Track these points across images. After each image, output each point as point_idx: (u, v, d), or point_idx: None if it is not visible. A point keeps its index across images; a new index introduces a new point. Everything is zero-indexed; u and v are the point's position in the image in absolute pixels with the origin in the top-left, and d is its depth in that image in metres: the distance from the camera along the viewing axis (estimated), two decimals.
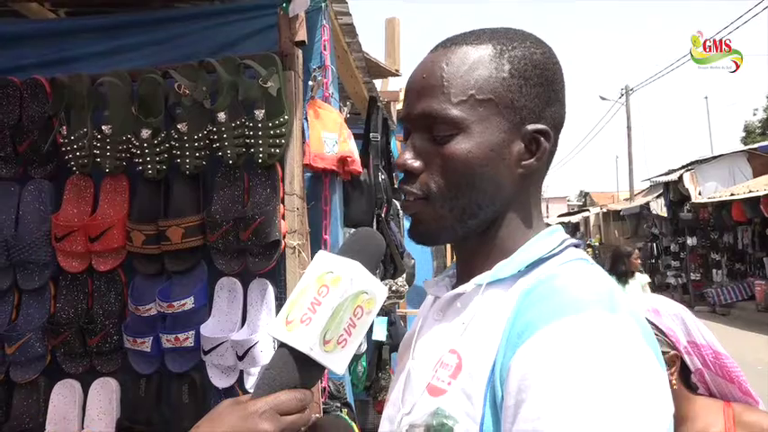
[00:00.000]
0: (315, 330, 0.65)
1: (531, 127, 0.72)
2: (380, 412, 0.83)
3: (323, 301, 0.66)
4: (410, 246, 3.46)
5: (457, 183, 0.71)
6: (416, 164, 0.73)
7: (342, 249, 0.72)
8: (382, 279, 2.80)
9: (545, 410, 0.56)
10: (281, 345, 0.67)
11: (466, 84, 0.70)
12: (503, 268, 0.71)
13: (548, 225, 0.78)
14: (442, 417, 0.65)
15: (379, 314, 2.90)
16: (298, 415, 0.65)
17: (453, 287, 0.78)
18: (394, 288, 2.82)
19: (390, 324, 3.15)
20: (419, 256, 3.72)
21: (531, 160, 0.72)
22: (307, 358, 0.65)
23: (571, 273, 0.67)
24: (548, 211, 44.40)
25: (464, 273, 0.77)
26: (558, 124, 0.74)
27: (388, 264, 2.92)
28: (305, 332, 0.65)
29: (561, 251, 0.71)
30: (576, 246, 0.74)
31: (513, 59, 0.71)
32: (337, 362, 0.67)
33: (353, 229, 2.57)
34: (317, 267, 0.69)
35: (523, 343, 0.60)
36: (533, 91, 0.71)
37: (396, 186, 3.20)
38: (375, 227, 2.77)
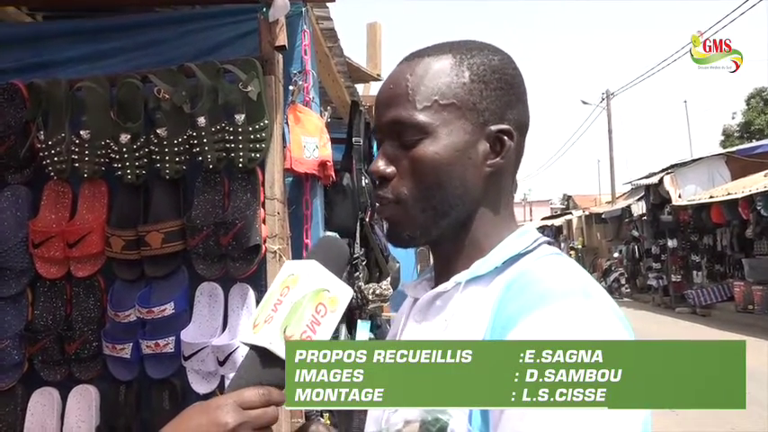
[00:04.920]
0: (275, 326, 0.67)
1: (494, 127, 0.75)
2: (365, 415, 0.83)
3: (284, 300, 0.68)
4: (395, 249, 3.46)
5: (426, 184, 0.74)
6: (388, 170, 0.76)
7: (308, 254, 0.75)
8: (367, 283, 2.80)
9: None
10: (249, 348, 0.69)
11: (429, 91, 0.74)
12: (480, 266, 0.74)
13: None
14: (436, 412, 0.66)
15: (363, 318, 2.91)
16: (262, 410, 0.67)
17: (433, 288, 0.79)
18: (378, 292, 2.82)
19: (376, 327, 3.15)
20: (403, 259, 3.73)
21: (497, 159, 0.76)
22: (269, 354, 0.66)
23: (547, 266, 0.72)
24: (531, 215, 44.69)
25: (442, 273, 0.79)
26: (521, 125, 0.78)
27: (373, 268, 2.93)
28: (266, 329, 0.67)
29: (535, 248, 0.75)
30: (549, 243, 0.77)
31: (471, 66, 0.75)
32: None
33: (335, 234, 2.57)
34: (282, 274, 0.72)
35: (507, 335, 0.64)
36: (493, 94, 0.75)
37: None
38: (359, 231, 2.77)
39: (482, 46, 0.79)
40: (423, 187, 0.75)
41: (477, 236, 0.77)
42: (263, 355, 0.67)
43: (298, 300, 0.68)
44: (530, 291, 0.67)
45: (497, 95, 0.76)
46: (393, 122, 0.76)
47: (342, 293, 0.71)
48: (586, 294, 0.66)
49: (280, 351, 0.66)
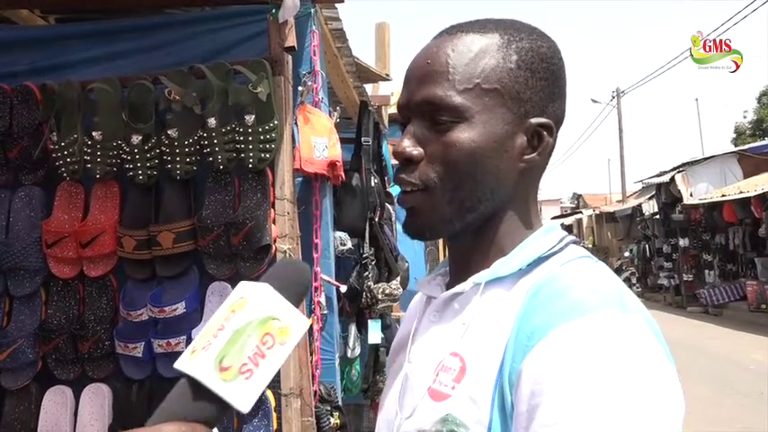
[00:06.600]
0: (210, 355, 0.59)
1: (534, 120, 0.69)
2: (377, 415, 0.80)
3: (226, 325, 0.60)
4: (404, 249, 3.47)
5: (458, 173, 0.68)
6: (416, 152, 0.69)
7: (262, 277, 0.67)
8: (376, 282, 2.81)
9: (561, 415, 0.55)
10: (182, 376, 0.60)
11: (472, 72, 0.68)
12: (501, 266, 0.69)
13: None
14: (452, 424, 0.62)
15: (373, 317, 2.92)
16: None
17: (447, 286, 0.75)
18: (388, 291, 2.83)
19: (385, 327, 3.16)
20: (412, 258, 3.74)
21: (533, 155, 0.70)
22: (201, 387, 0.58)
23: (577, 272, 0.66)
24: (541, 213, 44.46)
25: (459, 271, 0.74)
26: (559, 120, 0.73)
27: (383, 267, 2.94)
28: (201, 357, 0.59)
29: (561, 249, 0.69)
30: (576, 243, 0.72)
31: (520, 51, 0.69)
32: (239, 394, 0.58)
33: (344, 234, 2.57)
34: (233, 296, 0.64)
35: (534, 346, 0.59)
36: (539, 84, 0.69)
37: (388, 190, 3.22)
38: (368, 230, 2.78)
39: (530, 29, 0.72)
40: (455, 176, 0.68)
41: (500, 234, 0.72)
42: (194, 386, 0.59)
43: (240, 327, 0.60)
44: (560, 299, 0.61)
45: (542, 86, 0.70)
46: (426, 101, 0.68)
47: (295, 324, 0.62)
48: (622, 307, 0.61)
49: (211, 384, 0.58)
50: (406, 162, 0.70)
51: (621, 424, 0.54)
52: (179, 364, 0.60)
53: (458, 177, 0.68)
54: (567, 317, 0.59)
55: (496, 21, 0.72)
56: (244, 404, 0.58)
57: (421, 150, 0.69)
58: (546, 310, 0.61)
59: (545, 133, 0.70)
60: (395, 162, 0.78)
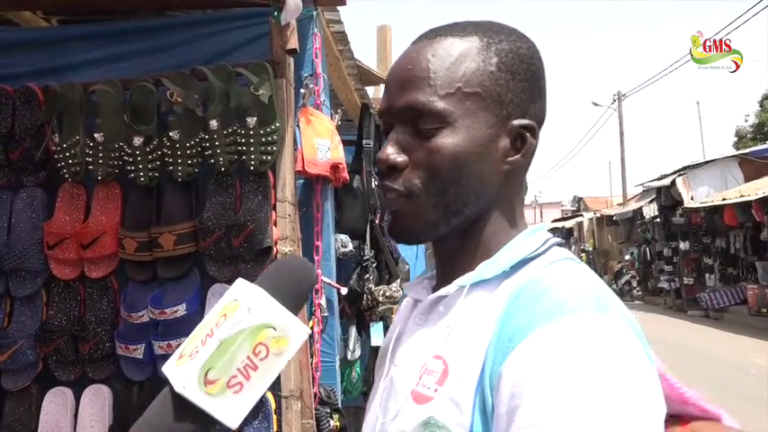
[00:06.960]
0: (195, 365, 0.54)
1: (516, 122, 0.70)
2: None
3: (216, 331, 0.55)
4: (404, 251, 3.47)
5: (442, 178, 0.68)
6: (400, 159, 0.70)
7: (259, 278, 0.61)
8: (377, 285, 2.81)
9: (540, 417, 0.55)
10: (167, 383, 0.57)
11: (453, 76, 0.68)
12: (485, 269, 0.69)
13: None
14: (434, 426, 0.62)
15: (373, 320, 2.92)
16: None
17: (434, 289, 0.75)
18: (388, 294, 2.83)
19: (386, 329, 3.16)
20: (413, 261, 3.74)
21: (517, 156, 0.71)
22: (183, 400, 0.54)
23: (558, 274, 0.66)
24: (542, 217, 44.55)
25: (445, 273, 0.74)
26: (540, 121, 0.73)
27: (383, 269, 2.94)
28: (186, 366, 0.55)
29: (545, 251, 0.70)
30: (560, 245, 0.72)
31: (500, 52, 0.69)
32: (226, 410, 0.54)
33: (345, 236, 2.57)
34: (227, 296, 0.59)
35: (514, 348, 0.59)
36: (520, 86, 0.70)
37: None
38: (369, 233, 2.78)
39: (509, 31, 0.72)
40: (439, 181, 0.68)
41: (485, 236, 0.72)
42: (176, 398, 0.55)
43: (229, 336, 0.55)
44: (540, 301, 0.61)
45: (523, 87, 0.70)
46: (408, 107, 0.69)
47: (294, 333, 0.57)
48: (602, 308, 0.61)
49: (194, 398, 0.54)
50: (390, 169, 0.70)
51: (600, 425, 0.54)
52: (166, 369, 0.56)
53: (442, 182, 0.69)
54: (547, 318, 0.59)
55: (475, 23, 0.72)
56: (232, 420, 0.54)
57: (405, 158, 0.70)
58: (527, 312, 0.61)
59: (527, 134, 0.71)
60: None
